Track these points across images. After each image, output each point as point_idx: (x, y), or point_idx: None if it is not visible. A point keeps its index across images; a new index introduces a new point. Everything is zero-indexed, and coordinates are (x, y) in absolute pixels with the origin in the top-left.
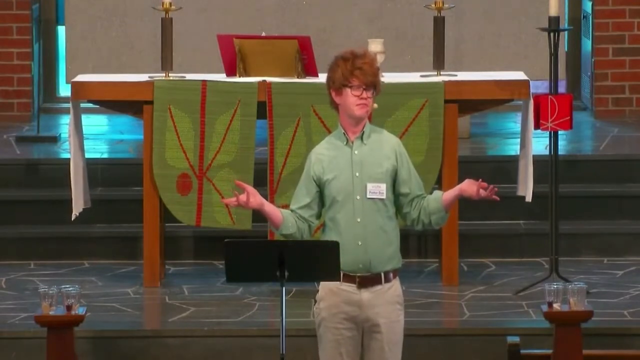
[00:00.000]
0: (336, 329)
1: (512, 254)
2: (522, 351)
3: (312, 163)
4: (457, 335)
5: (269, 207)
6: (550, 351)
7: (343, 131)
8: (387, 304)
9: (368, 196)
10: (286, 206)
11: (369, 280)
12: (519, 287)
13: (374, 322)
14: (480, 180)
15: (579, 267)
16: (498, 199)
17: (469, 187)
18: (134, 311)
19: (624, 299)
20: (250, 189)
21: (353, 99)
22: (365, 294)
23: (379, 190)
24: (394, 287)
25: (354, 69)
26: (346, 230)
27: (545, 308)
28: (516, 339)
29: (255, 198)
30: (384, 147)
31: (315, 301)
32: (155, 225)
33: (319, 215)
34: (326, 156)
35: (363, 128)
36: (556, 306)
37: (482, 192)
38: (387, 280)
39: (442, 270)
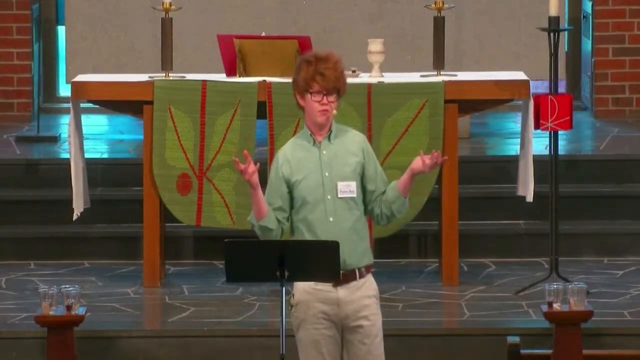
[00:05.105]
0: (316, 329)
1: (512, 254)
2: (522, 351)
3: (280, 164)
4: (457, 335)
5: (261, 194)
6: (550, 351)
7: (310, 132)
8: (364, 297)
9: (339, 195)
10: None
11: (344, 277)
12: (519, 287)
13: (352, 317)
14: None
15: (579, 267)
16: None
17: (415, 163)
18: (134, 311)
19: (624, 299)
20: (254, 167)
21: (315, 105)
22: (342, 291)
23: (349, 188)
24: (369, 281)
25: (316, 74)
26: (320, 231)
27: (545, 308)
28: (516, 339)
29: (256, 175)
30: (351, 145)
31: (292, 306)
32: (155, 225)
33: (289, 218)
34: (294, 157)
35: (330, 128)
36: (556, 306)
37: (427, 161)
38: (362, 276)
39: (442, 270)
